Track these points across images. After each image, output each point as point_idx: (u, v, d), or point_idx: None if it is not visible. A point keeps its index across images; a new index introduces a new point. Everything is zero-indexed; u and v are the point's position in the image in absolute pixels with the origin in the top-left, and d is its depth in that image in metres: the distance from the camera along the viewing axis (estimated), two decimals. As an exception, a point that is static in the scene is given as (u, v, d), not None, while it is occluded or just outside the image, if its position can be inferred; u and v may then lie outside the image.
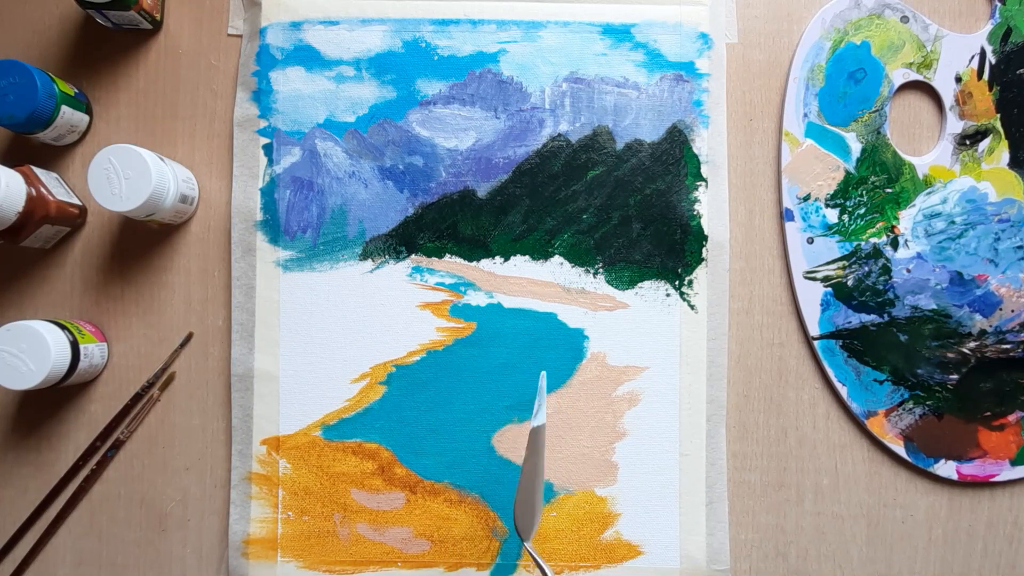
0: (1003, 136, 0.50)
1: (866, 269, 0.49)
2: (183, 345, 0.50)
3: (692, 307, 0.49)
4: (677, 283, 0.49)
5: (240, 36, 0.51)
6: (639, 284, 0.49)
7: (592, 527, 0.48)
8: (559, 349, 0.49)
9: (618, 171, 0.50)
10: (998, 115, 0.50)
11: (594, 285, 0.49)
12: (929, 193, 0.50)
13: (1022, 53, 0.50)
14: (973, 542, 0.49)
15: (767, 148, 0.51)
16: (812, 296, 0.49)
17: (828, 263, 0.49)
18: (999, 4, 0.50)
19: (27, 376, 0.44)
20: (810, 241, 0.50)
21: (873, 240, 0.49)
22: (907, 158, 0.50)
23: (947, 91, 0.50)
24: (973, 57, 0.50)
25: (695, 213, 0.49)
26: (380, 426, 0.49)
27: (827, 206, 0.50)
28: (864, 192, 0.50)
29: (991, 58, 0.50)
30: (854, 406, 0.49)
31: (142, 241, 0.50)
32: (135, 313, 0.50)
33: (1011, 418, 0.49)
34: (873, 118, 0.50)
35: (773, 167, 0.51)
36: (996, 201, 0.49)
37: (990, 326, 0.49)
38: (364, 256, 0.49)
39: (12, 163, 0.47)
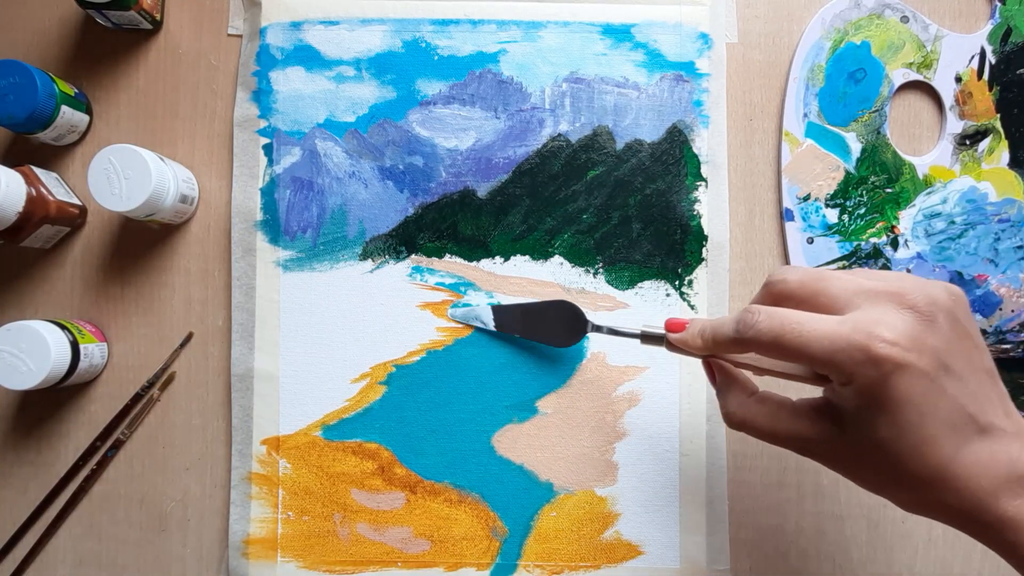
0: (1003, 136, 0.50)
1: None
2: (183, 345, 0.50)
3: (692, 307, 0.49)
4: (677, 283, 0.49)
5: (240, 36, 0.51)
6: (639, 284, 0.49)
7: (592, 527, 0.48)
8: (559, 349, 0.49)
9: (618, 171, 0.50)
10: (998, 115, 0.50)
11: (594, 285, 0.49)
12: (929, 193, 0.50)
13: (1022, 53, 0.50)
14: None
15: (767, 148, 0.51)
16: (812, 296, 0.49)
17: (828, 263, 0.49)
18: (999, 4, 0.50)
19: (27, 376, 0.44)
20: (810, 241, 0.50)
21: (873, 240, 0.49)
22: (907, 158, 0.50)
23: (947, 91, 0.50)
24: (973, 57, 0.50)
25: (695, 213, 0.49)
26: (380, 426, 0.49)
27: (827, 206, 0.50)
28: (864, 192, 0.50)
29: (991, 58, 0.50)
30: (854, 406, 0.49)
31: (142, 241, 0.50)
32: (135, 313, 0.50)
33: (1011, 418, 0.49)
34: (873, 118, 0.50)
35: (773, 167, 0.51)
36: (996, 201, 0.49)
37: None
38: (364, 256, 0.49)
39: (12, 163, 0.47)
